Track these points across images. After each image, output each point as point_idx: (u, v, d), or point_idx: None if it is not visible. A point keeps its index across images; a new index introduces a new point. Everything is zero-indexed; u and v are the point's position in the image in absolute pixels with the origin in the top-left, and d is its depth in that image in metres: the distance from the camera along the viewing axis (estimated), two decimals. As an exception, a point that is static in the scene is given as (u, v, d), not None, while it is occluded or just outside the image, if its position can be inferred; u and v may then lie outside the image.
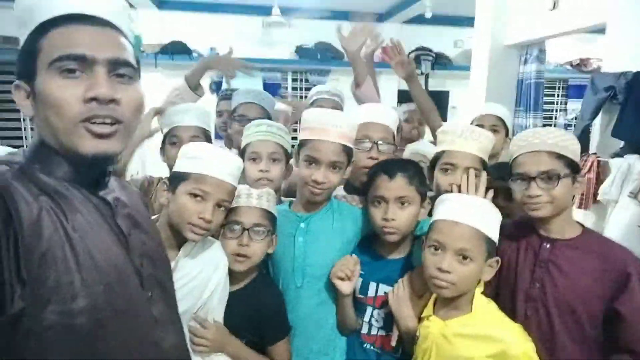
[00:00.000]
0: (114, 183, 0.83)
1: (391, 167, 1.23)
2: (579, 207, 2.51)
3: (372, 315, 1.26)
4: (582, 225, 1.17)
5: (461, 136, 1.30)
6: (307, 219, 1.32)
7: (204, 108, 1.67)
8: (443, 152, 1.33)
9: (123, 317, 0.70)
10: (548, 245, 1.14)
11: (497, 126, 1.77)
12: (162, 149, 1.63)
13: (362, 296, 1.27)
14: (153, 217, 1.16)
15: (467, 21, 4.95)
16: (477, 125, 1.64)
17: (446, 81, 5.66)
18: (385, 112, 1.51)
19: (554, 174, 1.09)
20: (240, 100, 1.88)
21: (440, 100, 5.67)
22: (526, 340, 1.01)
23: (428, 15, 4.51)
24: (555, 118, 5.75)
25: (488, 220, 1.07)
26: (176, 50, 4.75)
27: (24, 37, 0.69)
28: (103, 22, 0.70)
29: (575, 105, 5.64)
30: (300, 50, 5.18)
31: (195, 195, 1.08)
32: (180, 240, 1.13)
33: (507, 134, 1.83)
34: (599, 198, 2.37)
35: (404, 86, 6.04)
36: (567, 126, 5.70)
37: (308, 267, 1.28)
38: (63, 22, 0.67)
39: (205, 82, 5.04)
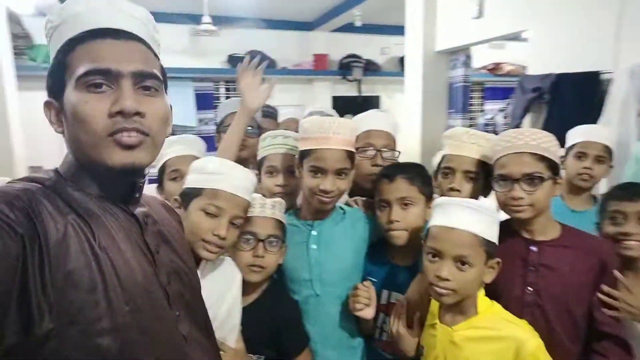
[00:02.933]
0: (150, 200, 0.83)
1: (392, 170, 1.25)
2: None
3: (383, 322, 1.26)
4: (560, 224, 1.21)
5: (459, 139, 1.33)
6: (318, 226, 1.30)
7: (194, 137, 1.62)
8: (444, 156, 1.37)
9: (150, 337, 0.68)
10: (535, 248, 1.16)
11: (603, 157, 1.67)
12: (160, 186, 1.51)
13: None
14: None
15: (393, 29, 5.21)
16: (579, 152, 1.67)
17: (376, 87, 5.88)
18: (387, 119, 1.53)
19: (536, 176, 1.11)
20: (227, 111, 1.81)
21: (372, 105, 5.88)
22: (536, 335, 1.02)
23: (358, 24, 4.66)
24: (476, 118, 6.21)
25: (485, 222, 1.04)
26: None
27: (52, 54, 0.69)
28: (128, 35, 0.69)
29: (491, 106, 6.14)
30: (232, 59, 5.08)
31: (209, 212, 1.04)
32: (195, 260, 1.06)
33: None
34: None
35: (338, 92, 6.16)
36: (486, 125, 6.18)
37: (325, 274, 1.27)
38: (89, 37, 0.67)
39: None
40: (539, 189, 1.11)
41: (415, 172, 1.26)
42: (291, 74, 5.42)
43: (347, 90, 5.65)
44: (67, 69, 0.66)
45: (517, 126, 2.85)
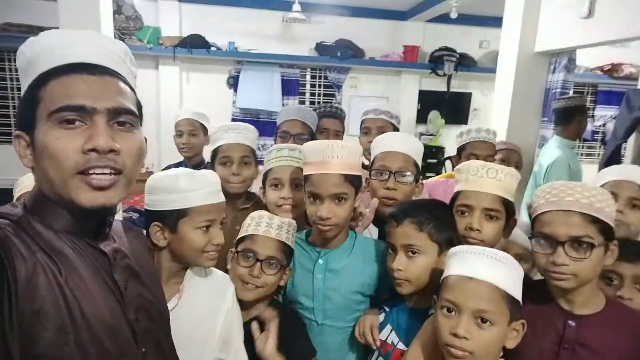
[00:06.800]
0: (118, 229, 0.81)
1: (401, 211, 1.14)
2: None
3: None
4: (606, 295, 1.04)
5: (476, 174, 1.19)
6: (325, 255, 1.25)
7: (253, 128, 1.63)
8: (458, 192, 1.23)
9: None
10: (573, 323, 0.99)
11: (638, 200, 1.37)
12: (212, 167, 1.58)
13: None
14: None
15: (493, 21, 4.77)
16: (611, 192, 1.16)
17: (469, 82, 5.50)
18: (405, 140, 1.43)
19: (586, 242, 0.94)
20: (284, 118, 1.90)
21: (462, 102, 5.53)
22: None
23: (453, 15, 4.36)
24: (582, 124, 5.54)
25: (509, 276, 0.92)
26: (195, 44, 4.69)
27: (24, 87, 0.67)
28: (103, 70, 0.67)
29: (603, 112, 5.43)
30: (319, 47, 5.08)
31: (205, 227, 1.05)
32: (181, 274, 1.10)
33: None
34: None
35: (425, 86, 5.86)
36: (594, 133, 5.50)
37: (328, 305, 1.23)
38: (63, 71, 0.65)
39: (224, 76, 5.02)
40: (587, 257, 0.94)
41: (428, 216, 1.11)
42: (379, 65, 5.28)
43: (437, 85, 5.37)
44: (39, 103, 0.64)
45: (618, 147, 2.47)
